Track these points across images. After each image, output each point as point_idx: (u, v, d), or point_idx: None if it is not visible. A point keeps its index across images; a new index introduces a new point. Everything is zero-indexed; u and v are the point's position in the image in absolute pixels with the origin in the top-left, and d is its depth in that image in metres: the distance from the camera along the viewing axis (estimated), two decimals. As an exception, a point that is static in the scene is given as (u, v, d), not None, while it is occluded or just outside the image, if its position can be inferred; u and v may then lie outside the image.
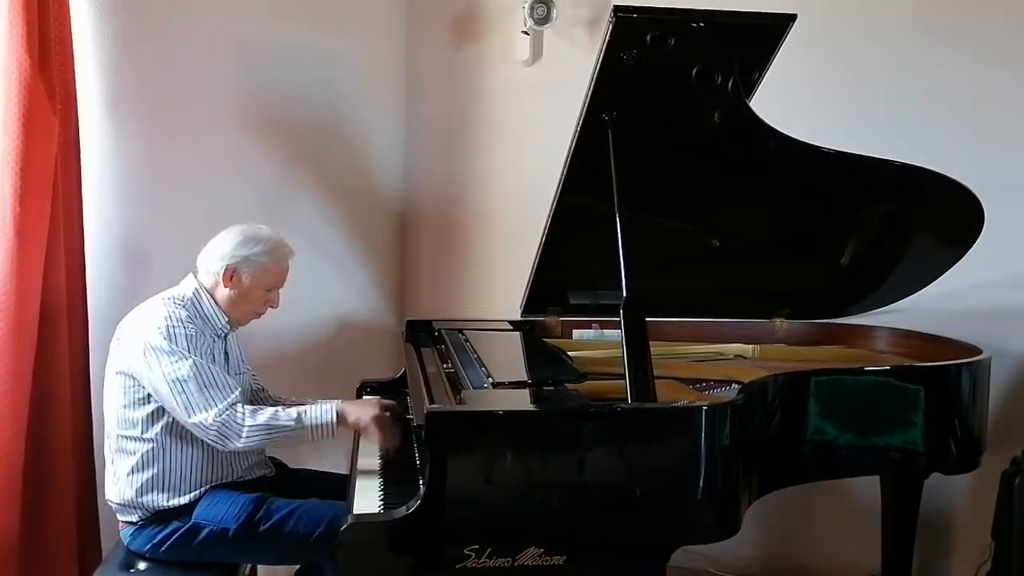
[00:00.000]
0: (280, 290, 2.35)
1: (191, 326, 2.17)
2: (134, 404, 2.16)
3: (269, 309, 2.36)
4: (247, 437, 2.09)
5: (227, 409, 2.09)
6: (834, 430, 2.17)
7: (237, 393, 2.14)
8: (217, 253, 2.26)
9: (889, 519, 2.64)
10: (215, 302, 2.27)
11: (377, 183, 3.52)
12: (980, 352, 2.43)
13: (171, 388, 2.08)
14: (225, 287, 2.26)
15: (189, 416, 2.08)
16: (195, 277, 2.30)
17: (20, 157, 2.31)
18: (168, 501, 2.15)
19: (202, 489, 2.18)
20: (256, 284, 2.27)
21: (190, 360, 2.10)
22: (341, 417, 2.16)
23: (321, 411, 2.15)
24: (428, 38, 3.54)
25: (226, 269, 2.24)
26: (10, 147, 2.31)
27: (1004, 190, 2.67)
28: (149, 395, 2.14)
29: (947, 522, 2.99)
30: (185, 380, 2.08)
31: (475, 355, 2.30)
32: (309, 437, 2.14)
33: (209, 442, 2.11)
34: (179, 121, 2.83)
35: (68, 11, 2.46)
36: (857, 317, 2.88)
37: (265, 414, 2.12)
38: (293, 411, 2.14)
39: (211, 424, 2.07)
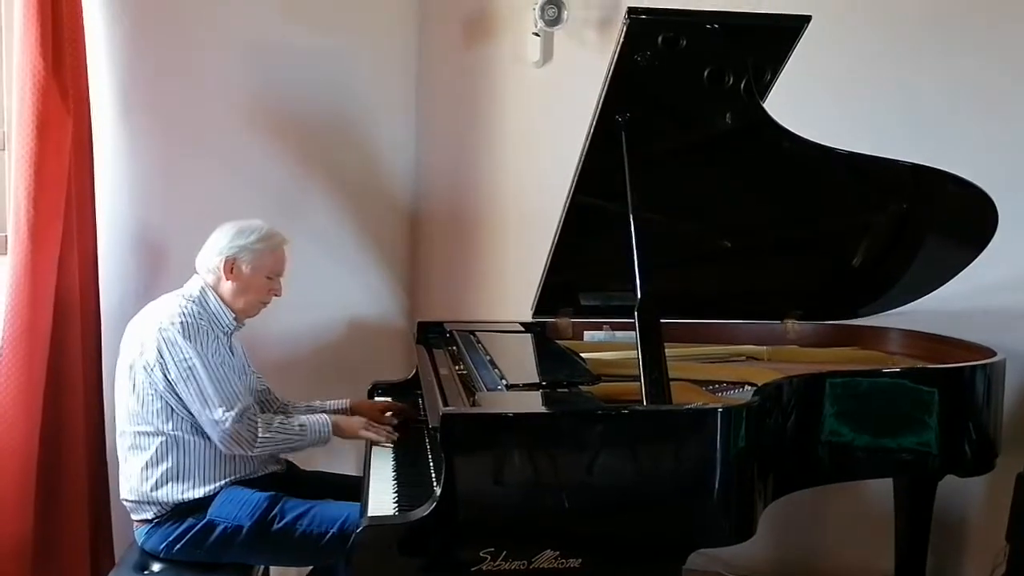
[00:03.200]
0: (283, 279, 2.37)
1: (203, 321, 2.22)
2: (147, 400, 2.17)
3: (275, 300, 2.37)
4: (260, 446, 2.19)
5: (241, 417, 2.15)
6: (849, 432, 2.16)
7: (251, 400, 2.23)
8: (214, 249, 2.30)
9: (902, 521, 2.62)
10: (220, 298, 2.29)
11: (388, 184, 3.52)
12: (994, 354, 2.42)
13: (186, 378, 2.13)
14: (227, 280, 2.29)
15: (206, 411, 2.13)
16: (199, 276, 2.33)
17: (34, 158, 2.33)
18: (184, 494, 2.16)
19: (217, 484, 2.19)
20: (257, 272, 2.31)
21: (205, 356, 2.15)
22: (336, 429, 2.31)
23: (320, 422, 2.29)
24: (439, 39, 3.54)
25: (225, 261, 2.28)
26: (24, 148, 2.32)
27: (1018, 190, 2.65)
28: (162, 390, 2.15)
29: (961, 524, 2.97)
30: (200, 373, 2.13)
31: (488, 356, 2.29)
32: (308, 445, 2.28)
33: (217, 443, 2.15)
34: (191, 121, 2.83)
35: (80, 12, 2.47)
36: (870, 318, 2.87)
37: (274, 425, 2.22)
38: (296, 422, 2.27)
39: (228, 428, 2.13)
